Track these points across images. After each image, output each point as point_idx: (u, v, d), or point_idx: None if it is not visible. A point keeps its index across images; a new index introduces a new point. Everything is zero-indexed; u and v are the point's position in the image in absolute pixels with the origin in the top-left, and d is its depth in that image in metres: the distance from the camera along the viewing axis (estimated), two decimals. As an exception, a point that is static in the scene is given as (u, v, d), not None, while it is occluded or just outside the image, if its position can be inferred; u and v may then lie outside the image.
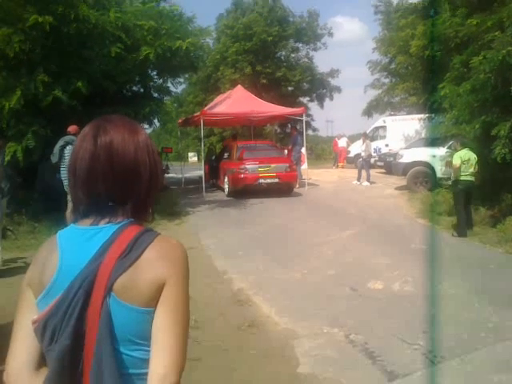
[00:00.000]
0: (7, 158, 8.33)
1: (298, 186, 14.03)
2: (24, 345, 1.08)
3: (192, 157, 34.07)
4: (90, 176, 1.08)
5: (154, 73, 13.00)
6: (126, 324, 1.02)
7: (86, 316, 1.01)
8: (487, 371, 3.57)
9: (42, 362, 1.08)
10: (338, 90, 31.58)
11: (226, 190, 13.42)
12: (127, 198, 1.11)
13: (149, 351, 1.03)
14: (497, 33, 8.31)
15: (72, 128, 7.62)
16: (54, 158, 7.67)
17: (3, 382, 1.09)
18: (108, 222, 1.08)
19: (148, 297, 1.03)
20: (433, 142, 13.87)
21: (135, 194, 1.12)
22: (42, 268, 1.09)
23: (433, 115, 12.57)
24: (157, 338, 1.02)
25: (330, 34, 31.03)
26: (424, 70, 15.33)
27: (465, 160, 8.00)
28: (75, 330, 1.00)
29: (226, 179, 13.47)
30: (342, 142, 23.07)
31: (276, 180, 12.74)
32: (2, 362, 1.11)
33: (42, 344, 1.05)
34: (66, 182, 7.10)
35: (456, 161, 8.03)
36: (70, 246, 1.08)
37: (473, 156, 8.09)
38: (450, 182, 9.34)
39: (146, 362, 1.03)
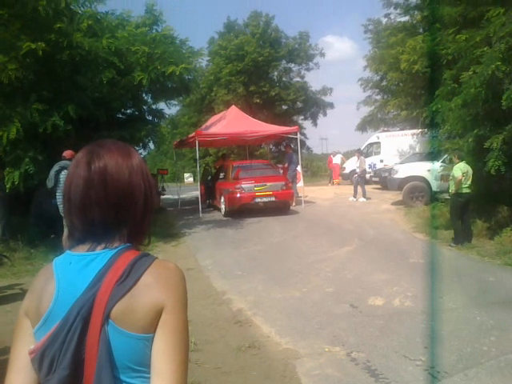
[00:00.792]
0: (8, 185, 8.32)
1: (294, 203, 14.03)
2: (20, 376, 1.05)
3: (188, 178, 34.23)
4: (85, 202, 1.07)
5: (148, 96, 13.12)
6: (125, 351, 1.01)
7: (85, 344, 0.99)
8: (491, 386, 3.53)
9: None
10: (331, 105, 31.83)
11: (223, 210, 13.38)
12: (123, 222, 1.10)
13: (149, 378, 1.01)
14: (485, 48, 8.46)
15: (67, 153, 7.64)
16: (50, 183, 7.67)
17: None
18: (104, 248, 1.07)
19: (146, 323, 1.01)
20: (427, 156, 13.99)
21: (131, 218, 1.11)
22: (39, 297, 1.07)
23: (426, 130, 12.68)
24: (156, 364, 1.00)
25: (322, 55, 31.34)
26: (415, 86, 15.50)
27: (464, 172, 8.10)
28: (74, 359, 0.98)
29: (222, 199, 13.46)
30: (336, 159, 23.21)
31: (272, 198, 12.72)
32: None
33: (40, 375, 1.03)
34: (61, 207, 7.09)
35: (458, 173, 8.11)
36: (67, 274, 1.07)
37: (470, 168, 8.20)
38: (446, 196, 9.39)
39: (146, 389, 1.02)
